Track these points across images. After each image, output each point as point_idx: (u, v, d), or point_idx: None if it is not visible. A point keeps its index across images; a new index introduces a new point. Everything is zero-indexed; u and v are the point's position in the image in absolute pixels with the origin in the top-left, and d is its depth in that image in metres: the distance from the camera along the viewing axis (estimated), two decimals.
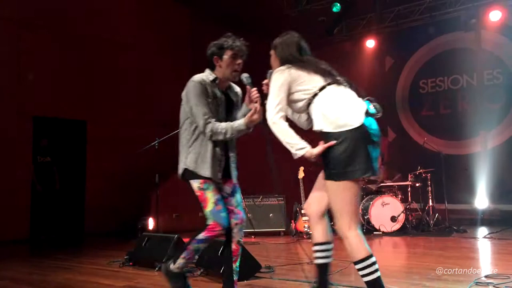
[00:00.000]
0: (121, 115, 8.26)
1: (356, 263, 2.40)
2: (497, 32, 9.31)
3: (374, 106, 2.51)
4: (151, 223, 7.14)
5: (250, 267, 3.80)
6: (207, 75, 2.95)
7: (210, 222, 2.80)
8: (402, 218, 7.06)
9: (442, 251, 5.36)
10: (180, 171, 2.92)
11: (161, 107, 8.87)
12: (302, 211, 6.82)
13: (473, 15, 9.26)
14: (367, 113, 2.46)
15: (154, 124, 8.11)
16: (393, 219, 7.05)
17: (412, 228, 7.25)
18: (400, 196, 7.48)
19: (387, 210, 7.11)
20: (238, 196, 3.02)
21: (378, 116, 2.51)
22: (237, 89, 3.11)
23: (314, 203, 2.68)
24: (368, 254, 2.38)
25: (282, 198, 7.08)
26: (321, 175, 2.64)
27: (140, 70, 8.65)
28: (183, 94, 2.95)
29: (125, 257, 4.61)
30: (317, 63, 2.64)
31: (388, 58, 10.76)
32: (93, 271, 4.35)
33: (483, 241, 6.18)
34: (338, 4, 9.13)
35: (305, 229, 6.73)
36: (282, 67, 2.61)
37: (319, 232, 2.65)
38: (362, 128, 2.39)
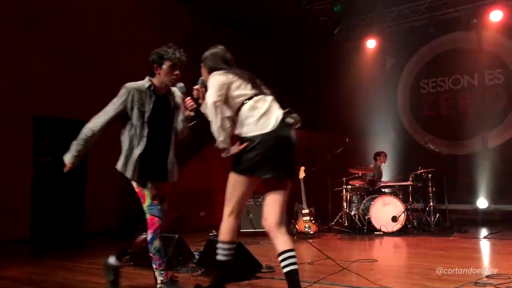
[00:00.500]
0: None
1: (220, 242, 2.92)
2: (498, 32, 9.30)
3: (292, 117, 2.79)
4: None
5: (251, 267, 3.79)
6: (143, 83, 3.21)
7: (147, 216, 3.14)
8: (403, 218, 7.06)
9: (443, 251, 5.36)
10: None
11: None
12: (303, 211, 6.82)
13: (474, 15, 9.25)
14: (285, 123, 2.76)
15: None
16: (394, 219, 7.04)
17: (413, 228, 7.24)
18: (401, 196, 7.47)
19: (388, 210, 7.10)
20: (164, 206, 3.31)
21: (296, 127, 2.81)
22: (177, 93, 3.29)
23: (269, 216, 2.84)
24: (232, 240, 2.90)
25: None
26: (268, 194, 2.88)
27: (141, 70, 8.59)
28: None
29: (126, 257, 4.60)
30: (246, 73, 2.90)
31: (389, 58, 10.75)
32: (93, 271, 4.34)
33: (484, 241, 6.18)
34: (339, 4, 9.13)
35: (306, 229, 6.73)
36: (219, 71, 2.87)
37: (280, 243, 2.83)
38: (273, 134, 2.69)
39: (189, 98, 3.14)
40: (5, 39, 7.06)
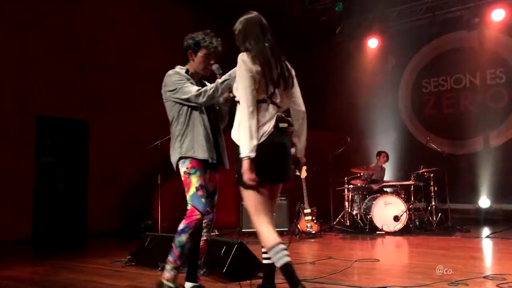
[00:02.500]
0: (123, 115, 8.27)
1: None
2: (500, 31, 9.28)
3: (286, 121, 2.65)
4: (155, 222, 7.15)
5: (252, 267, 3.79)
6: (178, 70, 3.05)
7: (188, 207, 2.84)
8: (404, 217, 7.05)
9: (445, 250, 5.35)
10: (174, 163, 2.99)
11: (163, 107, 8.87)
12: (305, 211, 6.81)
13: (476, 14, 9.23)
14: (280, 129, 2.60)
15: (156, 124, 8.12)
16: (396, 218, 7.03)
17: (415, 227, 7.23)
18: (403, 195, 7.46)
19: (389, 210, 7.09)
20: (215, 199, 3.15)
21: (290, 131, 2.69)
22: (206, 84, 3.12)
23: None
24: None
25: (284, 198, 7.07)
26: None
27: (142, 70, 8.66)
28: (163, 90, 3.03)
29: (128, 257, 4.62)
30: (273, 71, 2.61)
31: (391, 57, 10.73)
32: (95, 271, 4.35)
33: (486, 240, 6.17)
34: (340, 4, 9.12)
35: (308, 229, 6.72)
36: (248, 53, 2.60)
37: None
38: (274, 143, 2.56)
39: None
40: (8, 39, 7.08)
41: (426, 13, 9.65)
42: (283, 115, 2.64)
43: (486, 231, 7.12)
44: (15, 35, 7.17)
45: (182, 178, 2.89)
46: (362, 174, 7.99)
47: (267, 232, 2.53)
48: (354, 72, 10.42)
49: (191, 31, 3.13)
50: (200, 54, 3.00)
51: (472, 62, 9.55)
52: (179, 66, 3.09)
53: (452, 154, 8.45)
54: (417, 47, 10.27)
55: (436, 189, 7.50)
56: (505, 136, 9.20)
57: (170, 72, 3.03)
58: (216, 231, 5.63)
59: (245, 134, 2.48)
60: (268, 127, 2.57)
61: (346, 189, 7.86)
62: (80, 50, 7.89)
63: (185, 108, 2.97)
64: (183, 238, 2.81)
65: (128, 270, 4.32)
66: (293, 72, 2.78)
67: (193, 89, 2.91)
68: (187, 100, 2.92)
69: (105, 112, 8.10)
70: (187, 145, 2.92)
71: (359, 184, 7.82)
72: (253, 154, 2.47)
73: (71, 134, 7.83)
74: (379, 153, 8.34)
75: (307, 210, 6.82)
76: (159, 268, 4.15)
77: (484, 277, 3.60)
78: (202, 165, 2.93)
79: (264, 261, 2.81)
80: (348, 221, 7.80)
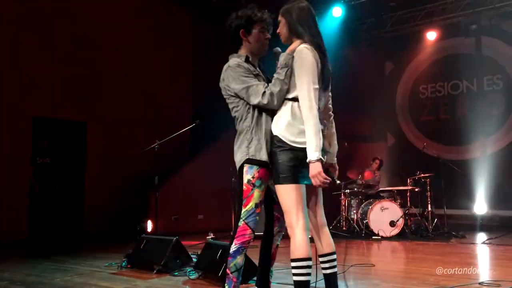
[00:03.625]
0: (121, 116, 8.26)
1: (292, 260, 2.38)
2: (498, 38, 9.34)
3: None
4: (149, 225, 7.14)
5: (249, 271, 3.78)
6: (237, 59, 2.64)
7: (240, 223, 2.53)
8: (401, 223, 7.06)
9: (441, 256, 5.36)
10: (240, 162, 2.59)
11: (162, 109, 8.88)
12: None
13: (473, 21, 9.29)
14: None
15: (154, 126, 8.12)
16: (392, 223, 7.04)
17: (411, 233, 7.24)
18: (399, 200, 7.47)
19: (386, 215, 7.10)
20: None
21: None
22: (262, 67, 2.81)
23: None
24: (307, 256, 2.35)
25: None
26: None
27: (141, 72, 8.66)
28: (223, 85, 2.65)
29: (123, 259, 4.60)
30: (324, 67, 2.46)
31: (388, 63, 10.78)
32: (91, 273, 4.34)
33: (482, 246, 6.18)
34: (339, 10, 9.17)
35: None
36: (307, 45, 2.40)
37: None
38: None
39: None
40: (6, 39, 7.07)
41: (424, 19, 9.71)
42: (321, 117, 2.46)
43: (482, 237, 7.13)
44: (13, 35, 7.16)
45: (244, 187, 2.54)
46: (359, 179, 8.00)
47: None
48: (352, 77, 10.44)
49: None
50: (255, 30, 2.64)
51: (469, 68, 9.59)
52: (234, 55, 2.69)
53: (448, 160, 8.48)
54: (415, 53, 10.31)
55: (432, 194, 7.52)
56: (501, 142, 9.23)
57: (232, 63, 2.61)
58: (211, 234, 5.62)
59: (313, 134, 2.30)
60: None
61: (342, 194, 7.87)
62: (79, 51, 7.87)
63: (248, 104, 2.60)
64: (239, 260, 2.54)
65: (124, 272, 4.31)
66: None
67: (260, 90, 2.51)
68: (257, 105, 2.55)
69: (103, 114, 8.10)
70: (254, 145, 2.55)
71: (355, 189, 7.83)
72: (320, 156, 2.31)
73: (69, 136, 7.81)
74: (373, 159, 8.39)
75: None
76: (155, 271, 4.15)
77: (479, 283, 3.61)
78: (268, 174, 2.57)
79: (325, 271, 2.60)
80: (344, 226, 7.80)
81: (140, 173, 7.93)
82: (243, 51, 2.69)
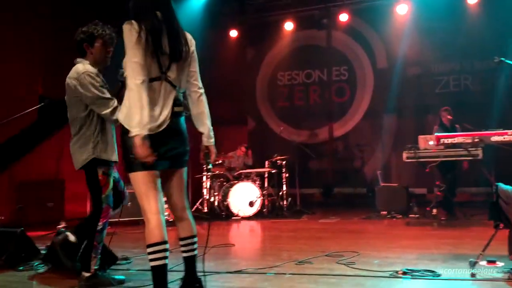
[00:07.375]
0: None
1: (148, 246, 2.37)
2: (345, 32, 10.30)
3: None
4: None
5: (106, 259, 3.59)
6: (85, 67, 3.02)
7: (104, 205, 3.07)
8: (259, 203, 7.42)
9: (294, 232, 5.79)
10: (82, 163, 3.04)
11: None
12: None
13: (325, 15, 10.10)
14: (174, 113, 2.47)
15: None
16: (251, 204, 7.37)
17: (268, 212, 7.67)
18: (258, 182, 7.83)
19: (245, 196, 7.40)
20: (121, 180, 3.38)
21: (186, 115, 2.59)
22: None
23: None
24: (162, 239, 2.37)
25: None
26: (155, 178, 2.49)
27: None
28: (74, 88, 2.99)
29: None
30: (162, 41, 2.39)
31: (250, 49, 11.13)
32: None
33: (328, 221, 6.82)
34: None
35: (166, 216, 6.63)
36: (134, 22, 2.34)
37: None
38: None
39: None
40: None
41: (283, 10, 10.22)
42: (180, 97, 2.47)
43: (330, 213, 7.86)
44: None
45: (100, 178, 3.08)
46: (220, 161, 8.16)
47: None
48: (215, 61, 10.53)
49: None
50: (97, 44, 3.07)
51: (321, 59, 10.43)
52: (81, 60, 3.09)
53: (302, 143, 9.15)
54: (274, 41, 10.79)
55: (287, 175, 8.04)
56: (345, 127, 10.27)
57: (80, 68, 3.01)
58: (63, 223, 5.18)
59: (132, 107, 2.24)
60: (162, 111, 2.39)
61: (205, 177, 7.95)
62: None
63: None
64: (104, 235, 3.13)
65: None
66: (193, 46, 2.56)
67: (109, 104, 2.98)
68: (104, 115, 3.00)
69: None
70: (101, 146, 3.06)
71: (217, 172, 7.98)
72: (144, 132, 2.23)
73: None
74: (242, 145, 8.65)
75: (164, 198, 6.71)
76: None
77: (326, 255, 3.99)
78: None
79: (183, 254, 2.67)
80: (206, 208, 7.91)
81: None
82: (89, 59, 3.10)
